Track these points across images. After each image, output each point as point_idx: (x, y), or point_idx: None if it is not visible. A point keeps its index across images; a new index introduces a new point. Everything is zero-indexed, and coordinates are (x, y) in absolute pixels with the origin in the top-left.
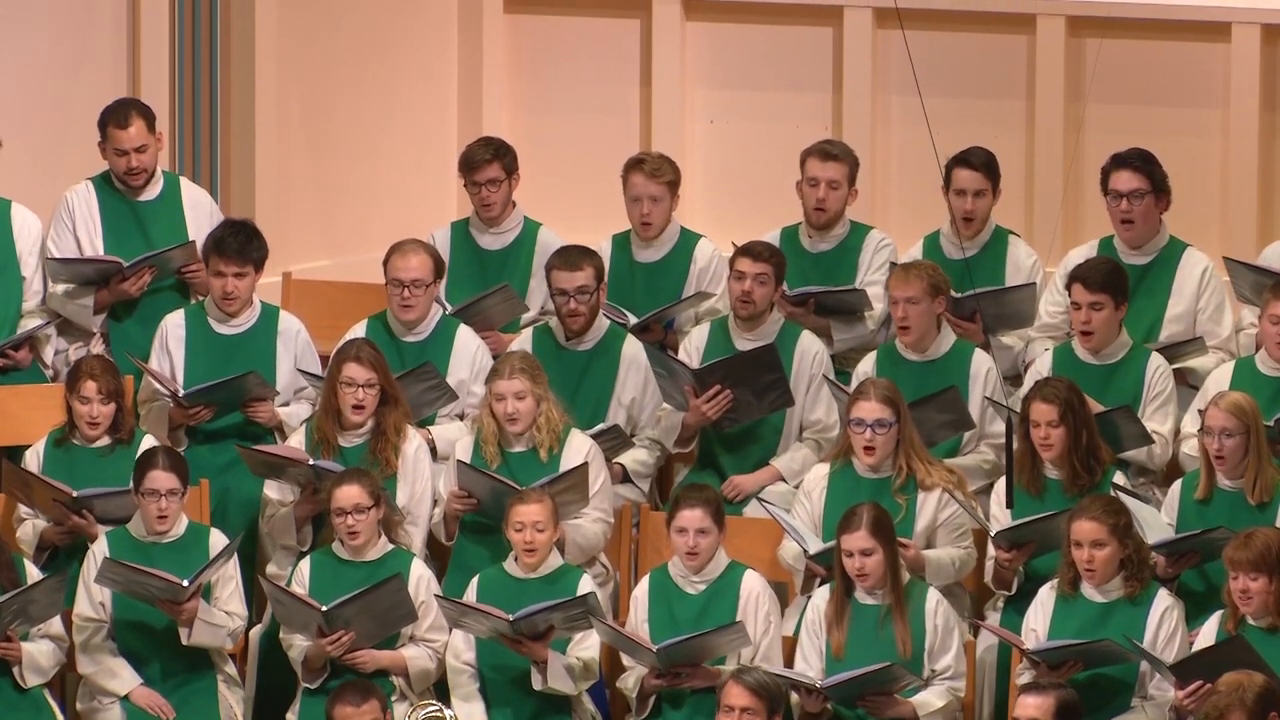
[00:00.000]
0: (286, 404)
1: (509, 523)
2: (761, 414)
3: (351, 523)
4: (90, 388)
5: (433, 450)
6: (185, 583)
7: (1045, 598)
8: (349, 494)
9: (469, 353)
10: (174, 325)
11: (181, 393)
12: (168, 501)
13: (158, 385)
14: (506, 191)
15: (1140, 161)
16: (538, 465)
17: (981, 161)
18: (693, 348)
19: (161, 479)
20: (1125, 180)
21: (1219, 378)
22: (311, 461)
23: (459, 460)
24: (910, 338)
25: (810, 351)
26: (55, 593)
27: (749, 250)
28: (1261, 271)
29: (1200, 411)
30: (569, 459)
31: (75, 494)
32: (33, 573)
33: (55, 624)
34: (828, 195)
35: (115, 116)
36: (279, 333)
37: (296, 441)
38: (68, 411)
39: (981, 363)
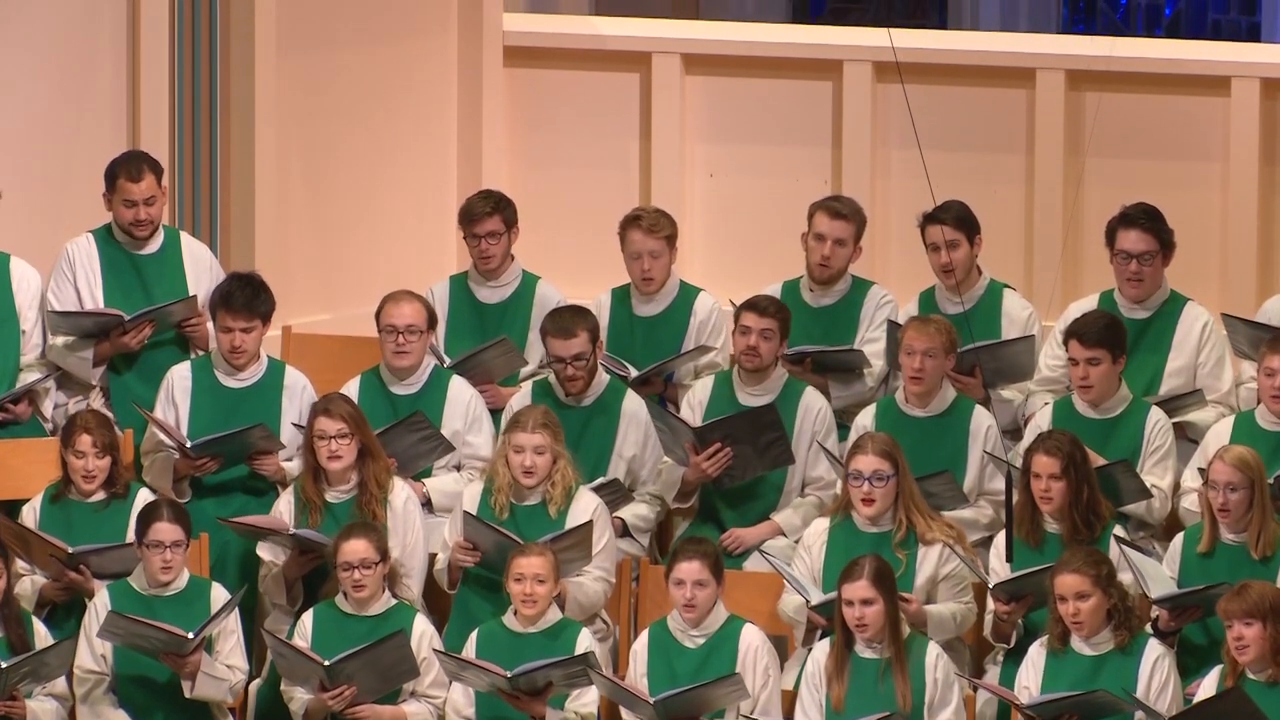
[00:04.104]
0: (290, 459)
1: (509, 574)
2: (762, 471)
3: (358, 577)
4: (85, 441)
5: (428, 503)
6: (190, 635)
7: (1036, 655)
8: (355, 549)
9: (462, 403)
10: (180, 377)
11: (189, 444)
12: (172, 553)
13: (163, 436)
14: (506, 244)
15: (1148, 221)
16: (545, 520)
17: (951, 215)
18: (695, 402)
19: (166, 530)
20: (1134, 241)
21: (1219, 433)
22: (292, 531)
23: (465, 512)
24: (921, 388)
25: (814, 409)
26: (67, 655)
27: (754, 305)
28: (1259, 327)
29: (1200, 469)
30: (576, 516)
31: (71, 550)
32: (40, 630)
33: (59, 683)
34: (834, 254)
35: (127, 169)
36: (284, 387)
37: (286, 502)
38: (63, 467)
39: (982, 420)
